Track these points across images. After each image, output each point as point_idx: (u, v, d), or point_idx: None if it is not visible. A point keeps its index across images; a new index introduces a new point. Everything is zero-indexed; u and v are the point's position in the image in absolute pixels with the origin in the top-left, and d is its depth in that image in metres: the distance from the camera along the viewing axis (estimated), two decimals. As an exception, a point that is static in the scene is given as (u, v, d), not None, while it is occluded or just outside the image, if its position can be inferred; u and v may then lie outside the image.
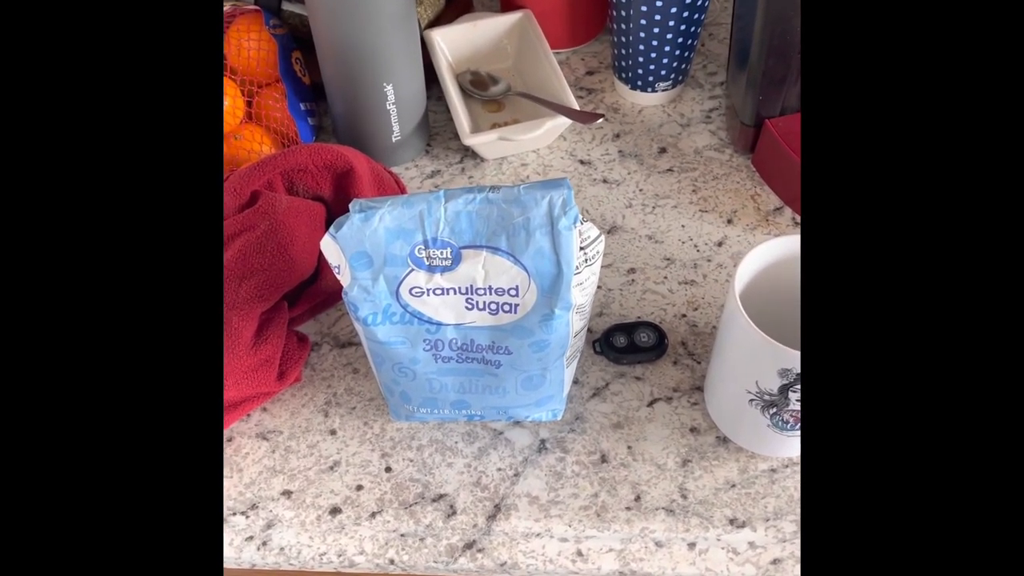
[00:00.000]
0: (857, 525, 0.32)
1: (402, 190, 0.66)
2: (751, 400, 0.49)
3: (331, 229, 0.46)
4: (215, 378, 0.35)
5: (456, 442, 0.55)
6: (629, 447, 0.54)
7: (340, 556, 0.51)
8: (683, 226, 0.66)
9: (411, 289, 0.47)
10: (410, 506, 0.53)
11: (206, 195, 0.35)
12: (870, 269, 0.32)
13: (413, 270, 0.47)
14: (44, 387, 0.32)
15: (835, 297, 0.32)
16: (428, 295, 0.47)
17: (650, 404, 0.56)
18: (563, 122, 0.69)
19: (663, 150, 0.72)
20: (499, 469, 0.54)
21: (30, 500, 0.32)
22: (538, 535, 0.51)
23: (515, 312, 0.48)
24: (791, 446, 0.52)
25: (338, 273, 0.48)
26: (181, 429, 0.33)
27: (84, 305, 0.33)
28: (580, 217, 0.46)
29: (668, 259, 0.64)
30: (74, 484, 0.32)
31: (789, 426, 0.49)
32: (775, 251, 0.50)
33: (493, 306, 0.48)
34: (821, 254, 0.33)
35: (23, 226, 0.32)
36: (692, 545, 0.50)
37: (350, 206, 0.46)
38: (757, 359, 0.46)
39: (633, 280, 0.63)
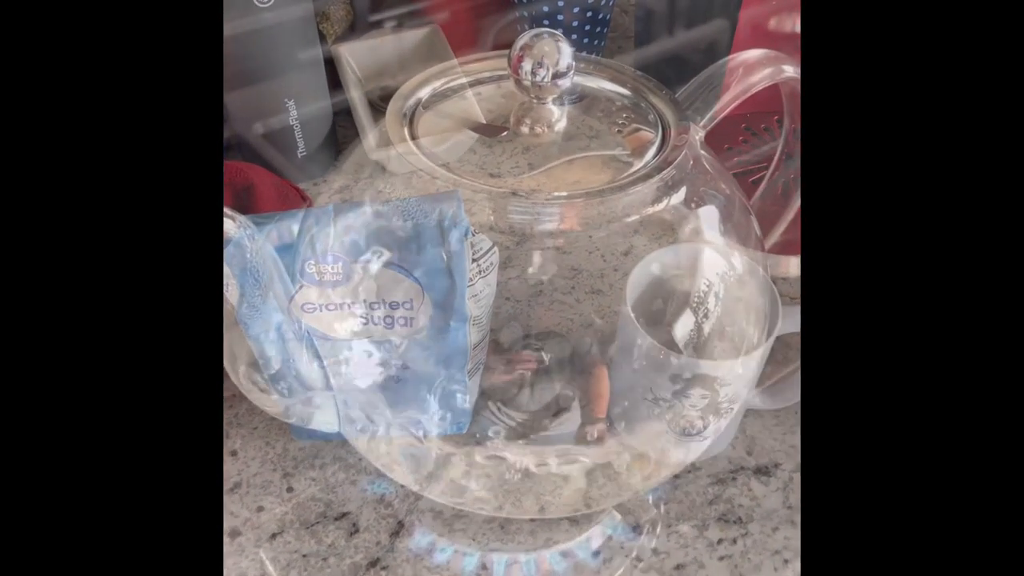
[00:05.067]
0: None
1: (308, 205, 0.65)
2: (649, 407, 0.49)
3: (218, 247, 0.45)
4: (215, 385, 0.34)
5: (359, 459, 0.55)
6: (534, 458, 0.54)
7: (240, 580, 0.50)
8: (590, 237, 0.67)
9: (303, 305, 0.47)
10: (311, 526, 0.52)
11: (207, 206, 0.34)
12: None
13: (304, 286, 0.46)
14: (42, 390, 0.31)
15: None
16: (321, 311, 0.47)
17: (555, 414, 0.57)
18: (470, 136, 0.69)
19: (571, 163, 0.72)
20: (403, 485, 0.53)
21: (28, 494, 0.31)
22: (442, 550, 0.51)
23: (411, 325, 0.48)
24: (689, 451, 0.52)
25: (227, 291, 0.47)
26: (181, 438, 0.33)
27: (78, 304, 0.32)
28: (471, 230, 0.46)
29: (575, 270, 0.64)
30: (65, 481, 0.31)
31: (686, 432, 0.50)
32: (664, 260, 0.51)
33: (388, 320, 0.48)
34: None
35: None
36: (596, 554, 0.51)
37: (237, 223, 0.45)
38: (650, 365, 0.47)
39: (541, 291, 0.63)
